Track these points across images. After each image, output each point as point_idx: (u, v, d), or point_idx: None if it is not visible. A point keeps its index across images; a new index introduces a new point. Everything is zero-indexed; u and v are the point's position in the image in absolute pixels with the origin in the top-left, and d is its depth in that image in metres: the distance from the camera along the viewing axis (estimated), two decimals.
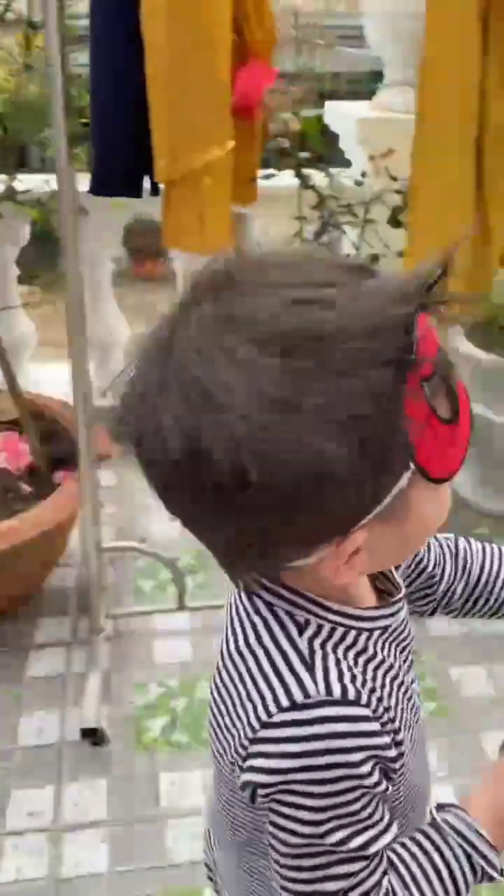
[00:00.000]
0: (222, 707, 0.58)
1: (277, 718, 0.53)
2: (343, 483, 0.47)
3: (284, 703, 0.54)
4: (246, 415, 0.45)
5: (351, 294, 0.47)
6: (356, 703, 0.54)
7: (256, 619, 0.58)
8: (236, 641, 0.59)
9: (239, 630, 0.59)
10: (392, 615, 0.61)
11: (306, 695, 0.53)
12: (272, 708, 0.54)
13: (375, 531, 0.51)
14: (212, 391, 0.46)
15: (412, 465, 0.50)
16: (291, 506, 0.48)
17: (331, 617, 0.57)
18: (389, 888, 0.55)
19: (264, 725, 0.54)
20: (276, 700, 0.54)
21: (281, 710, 0.53)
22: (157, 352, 0.50)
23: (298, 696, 0.54)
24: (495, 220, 1.67)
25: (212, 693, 0.61)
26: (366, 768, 0.53)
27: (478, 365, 2.18)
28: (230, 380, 0.46)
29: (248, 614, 0.59)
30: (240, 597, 0.60)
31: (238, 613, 0.60)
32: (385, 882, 0.55)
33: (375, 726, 0.54)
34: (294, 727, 0.53)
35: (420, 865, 0.57)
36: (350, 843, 0.54)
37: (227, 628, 0.61)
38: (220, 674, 0.60)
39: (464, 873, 0.57)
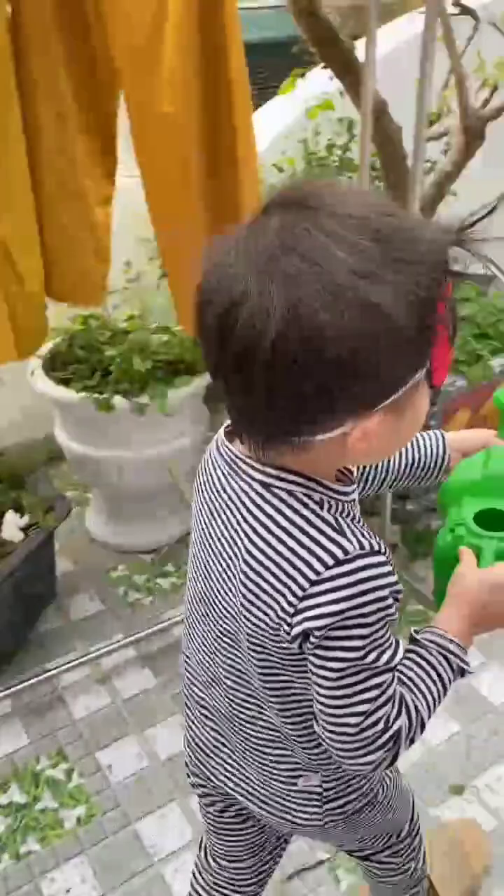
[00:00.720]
0: (256, 590, 0.72)
1: (326, 575, 0.68)
2: (390, 350, 0.61)
3: (330, 562, 0.68)
4: (341, 281, 0.58)
5: (414, 218, 0.69)
6: (379, 552, 0.70)
7: (280, 504, 0.71)
8: (259, 530, 0.72)
9: (260, 521, 0.72)
10: (354, 490, 0.77)
11: (345, 552, 0.68)
12: (319, 568, 0.68)
13: (383, 420, 0.65)
14: (316, 259, 0.59)
15: (427, 364, 0.65)
16: (351, 363, 0.60)
17: (331, 494, 0.72)
18: (401, 693, 0.75)
19: (314, 583, 0.68)
20: (321, 561, 0.68)
21: (328, 567, 0.68)
22: (251, 237, 0.62)
23: (339, 554, 0.68)
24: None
25: (243, 583, 0.73)
26: (390, 601, 0.70)
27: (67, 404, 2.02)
28: (330, 252, 0.59)
29: (268, 505, 0.72)
30: (250, 496, 0.73)
31: (252, 512, 0.73)
32: (398, 689, 0.75)
33: (390, 568, 0.70)
34: (341, 578, 0.68)
35: (416, 673, 0.77)
36: (381, 659, 0.71)
37: (240, 529, 0.74)
38: (246, 564, 0.72)
39: (446, 671, 0.78)
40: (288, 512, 0.71)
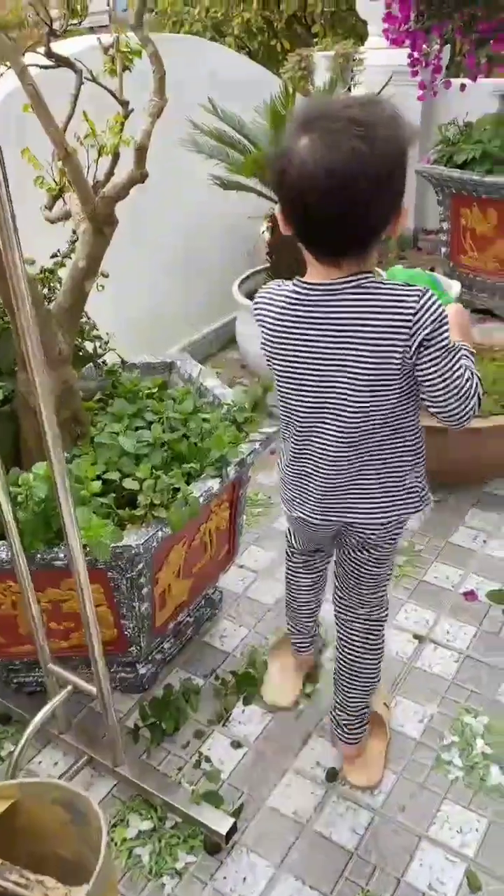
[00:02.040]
0: (383, 342, 1.19)
1: (420, 302, 1.15)
2: (404, 177, 1.15)
3: (417, 297, 1.16)
4: (384, 156, 1.11)
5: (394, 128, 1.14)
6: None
7: (371, 288, 1.19)
8: (367, 311, 1.19)
9: (365, 305, 1.19)
10: None
11: (421, 291, 1.16)
12: (412, 303, 1.16)
13: (397, 223, 1.20)
14: (379, 138, 1.11)
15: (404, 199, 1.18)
16: (401, 183, 1.15)
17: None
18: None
19: (417, 310, 1.16)
20: (412, 298, 1.16)
21: (419, 299, 1.16)
22: (318, 141, 1.11)
23: (418, 293, 1.16)
24: None
25: (370, 348, 1.20)
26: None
27: None
28: (380, 141, 1.11)
29: (365, 293, 1.19)
30: (347, 299, 1.20)
31: (354, 305, 1.20)
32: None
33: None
34: (427, 299, 1.15)
35: (465, 353, 1.25)
36: (455, 345, 1.22)
37: (351, 320, 1.20)
38: (370, 336, 1.19)
39: (469, 356, 1.26)
40: (380, 289, 1.19)
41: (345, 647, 1.60)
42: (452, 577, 2.17)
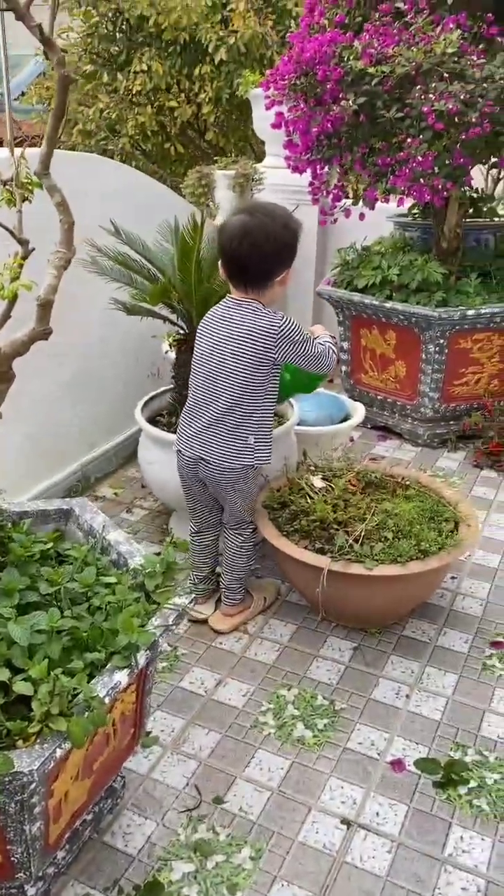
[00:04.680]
0: (262, 334, 2.09)
1: (282, 322, 2.10)
2: (292, 251, 2.12)
3: (280, 317, 2.11)
4: (280, 227, 2.07)
5: (287, 215, 2.13)
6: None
7: (256, 307, 2.13)
8: (253, 318, 2.11)
9: (250, 316, 2.11)
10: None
11: (281, 317, 2.11)
12: (278, 321, 2.09)
13: (284, 277, 2.14)
14: (278, 221, 2.07)
15: (292, 264, 2.16)
16: (288, 252, 2.10)
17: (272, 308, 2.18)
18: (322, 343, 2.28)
19: (279, 322, 2.09)
20: (278, 318, 2.10)
21: (281, 318, 2.10)
22: (243, 216, 2.08)
23: (280, 315, 2.11)
24: None
25: (254, 336, 2.10)
26: (302, 329, 2.19)
27: None
28: (279, 223, 2.08)
29: (251, 311, 2.12)
30: (244, 311, 2.13)
31: (246, 315, 2.12)
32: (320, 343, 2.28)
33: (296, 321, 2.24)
34: (285, 320, 2.10)
35: (326, 341, 2.30)
36: (308, 337, 2.20)
37: (243, 321, 2.12)
38: (252, 329, 2.10)
39: (326, 344, 2.28)
40: (260, 311, 2.10)
41: (225, 540, 2.42)
42: (378, 743, 2.00)
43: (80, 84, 6.12)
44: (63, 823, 1.51)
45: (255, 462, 2.21)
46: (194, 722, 2.06)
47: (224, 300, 2.19)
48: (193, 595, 2.53)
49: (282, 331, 2.09)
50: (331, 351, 2.24)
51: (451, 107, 2.75)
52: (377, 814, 1.80)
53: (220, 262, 2.14)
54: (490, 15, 3.02)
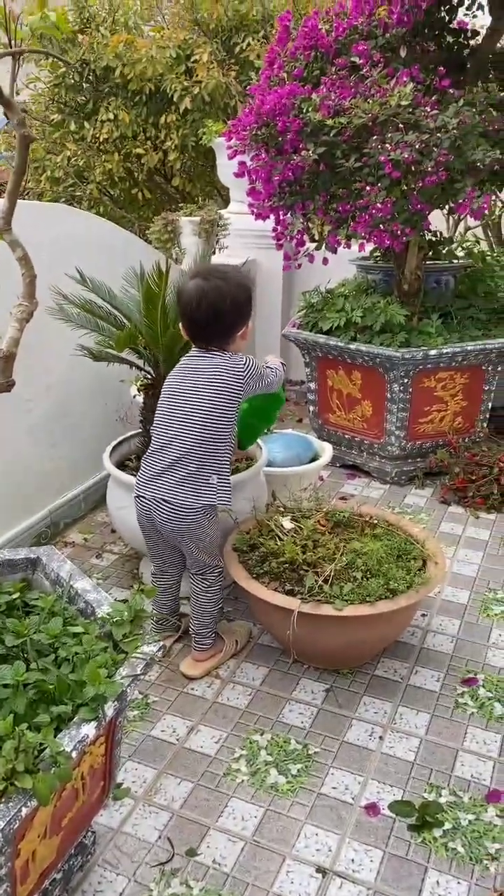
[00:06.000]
0: (227, 376, 2.24)
1: (246, 364, 2.26)
2: (248, 307, 2.26)
3: (244, 362, 2.26)
4: (234, 287, 2.21)
5: (239, 275, 2.31)
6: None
7: (221, 356, 2.26)
8: (219, 364, 2.24)
9: (216, 363, 2.25)
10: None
11: (241, 357, 2.28)
12: (243, 362, 2.26)
13: (244, 332, 2.28)
14: (231, 282, 2.22)
15: (250, 320, 2.30)
16: (244, 309, 2.24)
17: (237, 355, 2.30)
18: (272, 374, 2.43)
19: (244, 364, 2.26)
20: (243, 362, 2.26)
21: (244, 363, 2.26)
22: (199, 281, 2.20)
23: (244, 359, 2.27)
24: None
25: (219, 378, 2.24)
26: (264, 369, 2.39)
27: None
28: (233, 284, 2.22)
29: (217, 360, 2.25)
30: (210, 361, 2.25)
31: (211, 363, 2.25)
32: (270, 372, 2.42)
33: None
34: (249, 363, 2.29)
35: (272, 369, 2.44)
36: (265, 371, 2.37)
37: (209, 366, 2.25)
38: (218, 372, 2.24)
39: (276, 371, 2.44)
40: (225, 356, 2.25)
41: (191, 585, 2.43)
42: (352, 787, 1.98)
43: (48, 132, 6.21)
44: (31, 884, 1.47)
45: (217, 502, 2.24)
46: (166, 771, 2.03)
47: (190, 352, 2.32)
48: (161, 644, 2.51)
49: (248, 370, 2.24)
50: (279, 370, 2.45)
51: (406, 156, 2.84)
52: (352, 860, 1.79)
53: (181, 325, 2.26)
54: (442, 68, 3.15)
